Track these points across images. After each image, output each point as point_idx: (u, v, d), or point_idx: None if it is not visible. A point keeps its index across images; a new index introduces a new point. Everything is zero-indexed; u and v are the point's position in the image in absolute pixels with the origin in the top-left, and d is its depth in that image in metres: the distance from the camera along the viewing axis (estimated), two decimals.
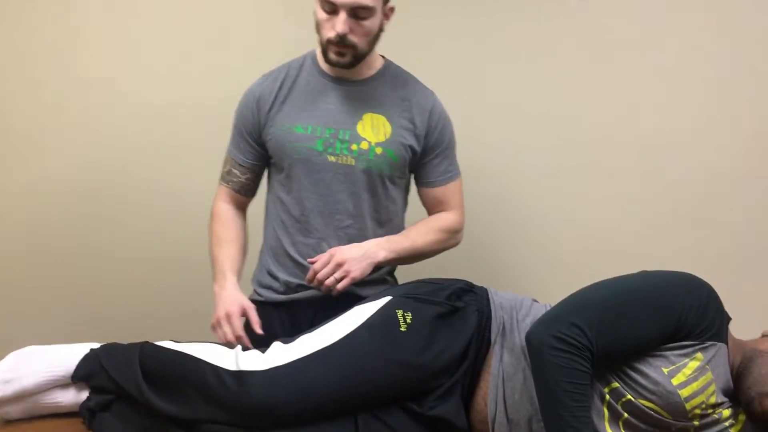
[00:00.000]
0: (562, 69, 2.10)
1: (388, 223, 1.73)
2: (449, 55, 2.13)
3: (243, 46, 2.12)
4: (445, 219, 1.74)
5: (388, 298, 1.49)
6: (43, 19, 2.17)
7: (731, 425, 1.31)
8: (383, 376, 1.38)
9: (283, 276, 1.71)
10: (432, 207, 1.76)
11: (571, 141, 2.12)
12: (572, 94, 2.10)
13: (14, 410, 1.46)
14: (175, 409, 1.38)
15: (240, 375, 1.37)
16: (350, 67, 1.62)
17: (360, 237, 1.67)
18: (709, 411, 1.29)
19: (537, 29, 2.10)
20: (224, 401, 1.36)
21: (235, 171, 1.75)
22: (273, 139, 1.67)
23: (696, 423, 1.29)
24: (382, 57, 1.74)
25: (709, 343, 1.30)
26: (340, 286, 1.55)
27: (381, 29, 1.63)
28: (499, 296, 1.52)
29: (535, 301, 1.54)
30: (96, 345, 1.50)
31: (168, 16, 2.16)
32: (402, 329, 1.42)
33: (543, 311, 1.45)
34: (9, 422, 1.47)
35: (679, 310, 1.29)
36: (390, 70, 1.72)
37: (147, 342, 1.49)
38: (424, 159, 1.71)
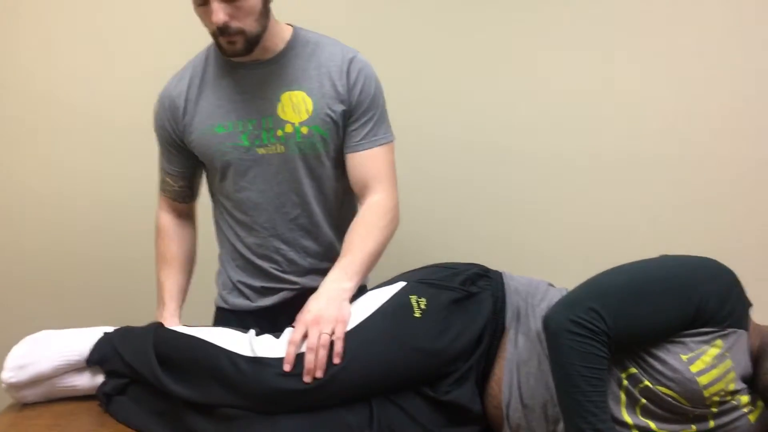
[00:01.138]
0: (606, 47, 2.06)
1: (338, 203, 1.66)
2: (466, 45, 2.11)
3: None
4: (375, 206, 1.59)
5: (402, 284, 1.48)
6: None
7: (750, 411, 1.29)
8: (399, 362, 1.38)
9: (246, 280, 1.69)
10: (357, 180, 1.61)
11: (598, 127, 2.09)
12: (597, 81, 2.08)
13: (31, 394, 1.47)
14: (190, 393, 1.38)
15: (256, 361, 1.37)
16: (247, 53, 1.50)
17: (311, 225, 1.64)
18: (728, 398, 1.28)
19: (545, 25, 2.07)
20: (240, 387, 1.36)
21: (167, 180, 1.71)
22: (197, 145, 1.60)
23: (714, 410, 1.28)
24: (290, 26, 1.62)
25: (730, 330, 1.28)
26: (336, 359, 1.35)
27: (266, 0, 1.51)
28: (515, 281, 1.51)
29: (551, 285, 1.52)
30: (110, 328, 1.51)
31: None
32: (416, 315, 1.41)
33: (559, 296, 1.44)
34: (26, 405, 1.49)
35: (700, 296, 1.27)
36: (299, 39, 1.59)
37: (161, 325, 1.49)
38: (348, 121, 1.59)
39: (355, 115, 1.59)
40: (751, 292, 1.35)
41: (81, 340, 1.48)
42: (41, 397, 1.49)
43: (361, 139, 1.60)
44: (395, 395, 1.39)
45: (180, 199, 1.72)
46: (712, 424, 1.28)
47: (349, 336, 1.39)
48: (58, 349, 1.46)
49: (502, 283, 1.50)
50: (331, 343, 1.37)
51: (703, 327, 1.28)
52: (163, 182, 1.72)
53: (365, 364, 1.37)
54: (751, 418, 1.30)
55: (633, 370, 1.29)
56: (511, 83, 2.11)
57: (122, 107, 2.21)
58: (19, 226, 2.28)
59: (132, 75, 2.19)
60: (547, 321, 1.31)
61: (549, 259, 2.13)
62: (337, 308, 1.42)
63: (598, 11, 2.04)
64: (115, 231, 2.27)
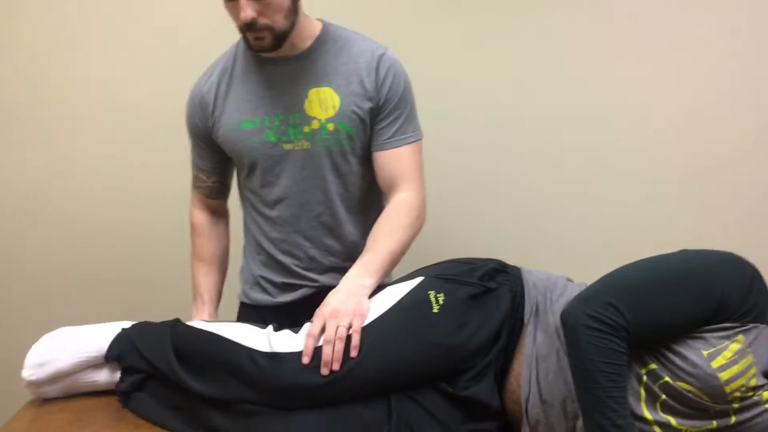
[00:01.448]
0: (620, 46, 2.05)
1: (363, 203, 1.66)
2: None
3: None
4: (401, 204, 1.59)
5: (420, 279, 1.48)
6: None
7: None
8: (417, 357, 1.38)
9: (267, 275, 1.69)
10: (384, 178, 1.61)
11: (613, 122, 2.08)
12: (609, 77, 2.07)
13: (51, 390, 1.49)
14: (208, 388, 1.39)
15: (274, 356, 1.38)
16: (275, 48, 1.51)
17: (334, 223, 1.64)
18: (750, 393, 1.26)
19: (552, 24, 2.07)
20: (258, 382, 1.36)
21: (200, 176, 1.72)
22: (224, 140, 1.62)
23: (735, 405, 1.26)
24: (320, 21, 1.61)
25: (751, 325, 1.27)
26: (353, 352, 1.36)
27: None
28: (533, 276, 1.50)
29: (570, 280, 1.51)
30: (128, 324, 1.52)
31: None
32: (434, 311, 1.41)
33: (578, 291, 1.43)
34: (47, 400, 1.50)
35: (720, 291, 1.26)
36: (329, 35, 1.59)
37: (178, 321, 1.50)
38: (375, 119, 1.59)
39: (383, 113, 1.59)
40: None
41: (99, 337, 1.49)
42: (61, 393, 1.50)
43: (389, 137, 1.59)
44: (413, 391, 1.39)
45: (213, 196, 1.73)
46: (733, 419, 1.27)
47: (367, 330, 1.39)
48: (76, 346, 1.47)
49: (521, 279, 1.49)
50: (349, 337, 1.37)
51: (724, 322, 1.27)
52: (195, 179, 1.73)
53: (382, 359, 1.37)
54: None
55: (653, 365, 1.28)
56: (528, 80, 2.11)
57: (149, 101, 2.23)
58: (37, 221, 2.30)
59: (156, 70, 2.21)
60: (565, 316, 1.30)
61: (568, 254, 2.12)
62: (355, 302, 1.42)
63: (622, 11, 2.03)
64: (140, 224, 2.28)
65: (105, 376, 1.51)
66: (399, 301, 1.43)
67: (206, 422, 1.39)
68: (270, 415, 1.35)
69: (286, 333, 1.45)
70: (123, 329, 1.51)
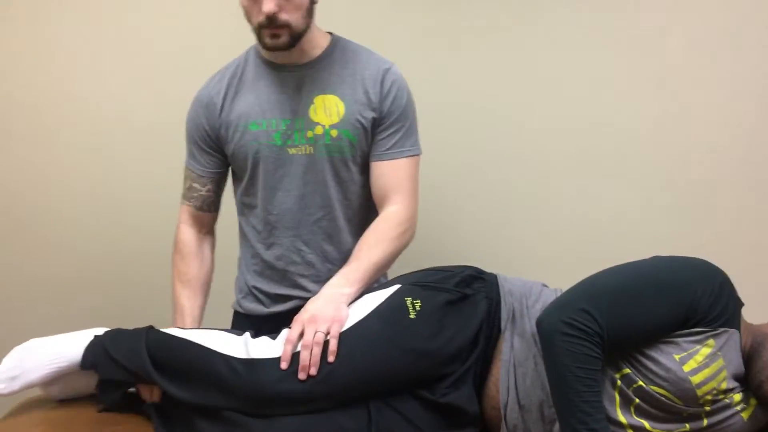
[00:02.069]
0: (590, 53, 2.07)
1: (361, 211, 1.68)
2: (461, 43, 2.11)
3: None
4: (390, 216, 1.61)
5: (397, 286, 1.49)
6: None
7: (742, 409, 1.31)
8: (394, 363, 1.39)
9: (261, 286, 1.70)
10: (378, 189, 1.63)
11: (590, 128, 2.10)
12: (580, 83, 2.08)
13: (53, 390, 1.50)
14: (186, 394, 1.39)
15: (251, 363, 1.38)
16: (289, 48, 1.54)
17: (333, 229, 1.65)
18: (721, 396, 1.29)
19: (543, 25, 2.08)
20: (236, 389, 1.37)
21: (195, 185, 1.71)
22: (230, 141, 1.63)
23: (707, 408, 1.29)
24: (330, 34, 1.67)
25: (722, 329, 1.29)
26: (330, 357, 1.37)
27: (313, 0, 1.56)
28: (509, 282, 1.52)
29: (545, 286, 1.53)
30: (100, 331, 1.50)
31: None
32: (411, 317, 1.42)
33: (553, 296, 1.45)
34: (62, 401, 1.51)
35: (692, 296, 1.28)
36: (338, 46, 1.65)
37: (152, 328, 1.49)
38: (376, 130, 1.62)
39: (384, 124, 1.62)
40: (743, 292, 1.36)
41: (70, 346, 1.47)
42: (64, 395, 1.51)
43: (387, 149, 1.62)
44: (392, 399, 1.40)
45: (205, 208, 1.73)
46: (705, 422, 1.30)
47: (345, 336, 1.40)
48: (47, 357, 1.45)
49: (497, 285, 1.51)
50: (327, 342, 1.38)
51: (695, 327, 1.29)
52: (188, 190, 1.73)
53: (360, 364, 1.38)
54: (744, 415, 1.31)
55: (626, 370, 1.30)
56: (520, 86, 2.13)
57: (147, 104, 2.22)
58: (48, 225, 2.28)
59: (156, 72, 2.20)
60: (541, 323, 1.32)
61: (543, 260, 2.14)
62: (334, 308, 1.43)
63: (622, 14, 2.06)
64: (104, 240, 2.27)
65: (90, 382, 1.50)
66: (376, 308, 1.45)
67: (193, 429, 1.39)
68: (251, 424, 1.35)
69: (264, 339, 1.45)
70: (96, 336, 1.48)
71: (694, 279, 1.31)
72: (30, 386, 1.45)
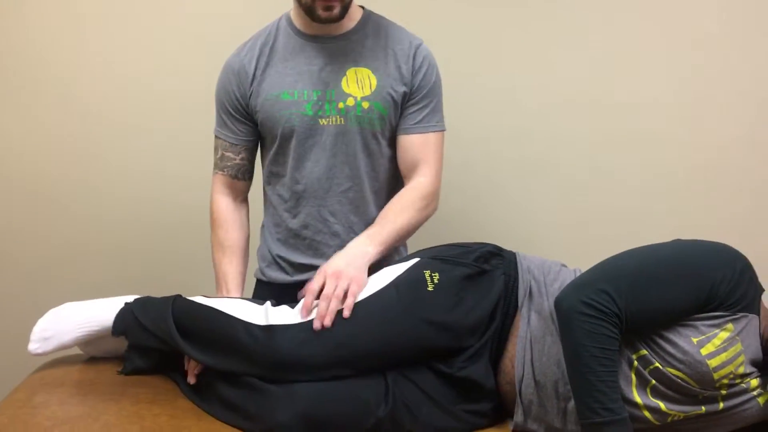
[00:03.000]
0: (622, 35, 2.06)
1: (388, 185, 1.69)
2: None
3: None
4: (417, 187, 1.64)
5: (416, 260, 1.51)
6: None
7: (759, 394, 1.31)
8: (411, 333, 1.40)
9: (285, 255, 1.71)
10: (406, 162, 1.66)
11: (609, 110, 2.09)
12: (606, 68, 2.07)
13: (93, 350, 1.58)
14: (211, 360, 1.42)
15: (270, 329, 1.40)
16: (339, 20, 1.57)
17: (359, 199, 1.67)
18: (737, 381, 1.29)
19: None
20: (255, 354, 1.39)
21: (227, 154, 1.72)
22: (261, 110, 1.64)
23: (723, 392, 1.29)
24: (361, 8, 1.68)
25: (741, 314, 1.29)
26: (346, 312, 1.41)
27: None
28: (527, 260, 1.52)
29: (564, 265, 1.53)
30: (130, 298, 1.54)
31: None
32: (429, 289, 1.43)
33: (572, 276, 1.45)
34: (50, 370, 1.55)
35: (712, 281, 1.28)
36: (371, 20, 1.67)
37: (179, 296, 1.53)
38: (406, 104, 1.64)
39: (414, 99, 1.64)
40: (764, 278, 1.35)
41: (102, 311, 1.52)
42: (100, 354, 1.57)
43: (416, 123, 1.64)
44: (409, 371, 1.41)
45: (240, 176, 1.73)
46: (721, 405, 1.30)
47: (363, 305, 1.42)
48: (80, 320, 1.50)
49: (515, 262, 1.51)
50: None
51: (714, 311, 1.29)
52: (221, 159, 1.73)
53: (377, 333, 1.40)
54: (761, 400, 1.31)
55: (644, 351, 1.30)
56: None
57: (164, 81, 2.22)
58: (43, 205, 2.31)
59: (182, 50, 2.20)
60: (560, 302, 1.33)
61: (563, 241, 2.14)
62: (356, 269, 1.48)
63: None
64: (135, 209, 2.29)
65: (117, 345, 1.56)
66: (395, 279, 1.46)
67: (216, 393, 1.42)
68: (270, 389, 1.37)
69: (284, 308, 1.47)
70: (126, 304, 1.53)
71: (715, 263, 1.31)
72: (63, 348, 1.51)
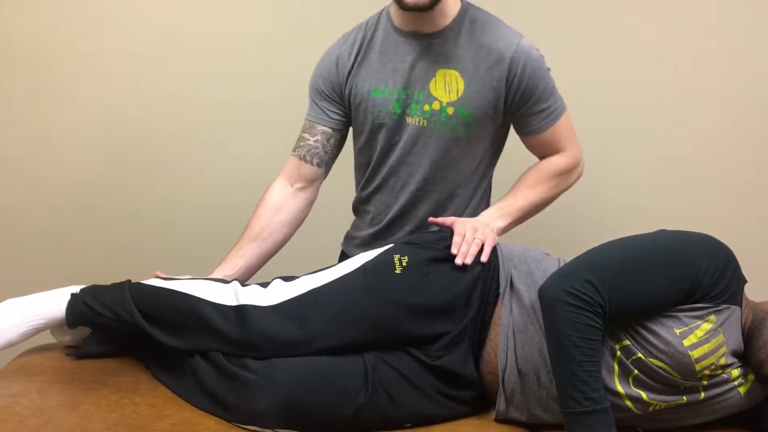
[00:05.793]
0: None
1: (457, 187, 1.67)
2: None
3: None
4: (553, 163, 1.65)
5: (389, 246, 1.51)
6: None
7: (740, 384, 1.32)
8: (378, 315, 1.40)
9: (359, 234, 1.75)
10: (539, 152, 1.68)
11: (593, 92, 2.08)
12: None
13: (65, 339, 1.55)
14: (182, 342, 1.41)
15: (242, 309, 1.40)
16: (430, 8, 1.51)
17: (428, 200, 1.67)
18: (719, 371, 1.30)
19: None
20: (228, 335, 1.39)
21: (304, 134, 1.71)
22: (352, 103, 1.66)
23: (705, 382, 1.30)
24: (461, 1, 1.62)
25: (724, 306, 1.29)
26: (484, 256, 1.46)
27: None
28: (508, 249, 1.52)
29: (547, 254, 1.53)
30: (75, 289, 1.50)
31: None
32: (397, 272, 1.44)
33: (555, 265, 1.45)
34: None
35: (695, 272, 1.28)
36: (468, 15, 1.60)
37: (130, 281, 1.50)
38: (519, 110, 1.60)
39: (526, 104, 1.60)
40: (747, 269, 1.35)
41: (45, 305, 1.48)
42: (77, 343, 1.55)
43: (539, 123, 1.62)
44: (389, 356, 1.40)
45: (308, 158, 1.69)
46: (702, 395, 1.31)
47: (330, 287, 1.43)
48: (22, 316, 1.46)
49: (495, 250, 1.50)
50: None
51: (697, 302, 1.29)
52: (298, 140, 1.72)
53: (344, 316, 1.40)
54: (741, 390, 1.32)
55: (626, 342, 1.31)
56: None
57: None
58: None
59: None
60: (543, 291, 1.32)
61: (546, 231, 2.13)
62: (490, 230, 1.54)
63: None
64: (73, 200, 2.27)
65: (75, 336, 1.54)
66: (364, 264, 1.47)
67: (196, 382, 1.41)
68: (251, 378, 1.36)
69: (255, 288, 1.47)
70: (72, 295, 1.48)
71: (699, 254, 1.31)
72: (11, 345, 1.47)
